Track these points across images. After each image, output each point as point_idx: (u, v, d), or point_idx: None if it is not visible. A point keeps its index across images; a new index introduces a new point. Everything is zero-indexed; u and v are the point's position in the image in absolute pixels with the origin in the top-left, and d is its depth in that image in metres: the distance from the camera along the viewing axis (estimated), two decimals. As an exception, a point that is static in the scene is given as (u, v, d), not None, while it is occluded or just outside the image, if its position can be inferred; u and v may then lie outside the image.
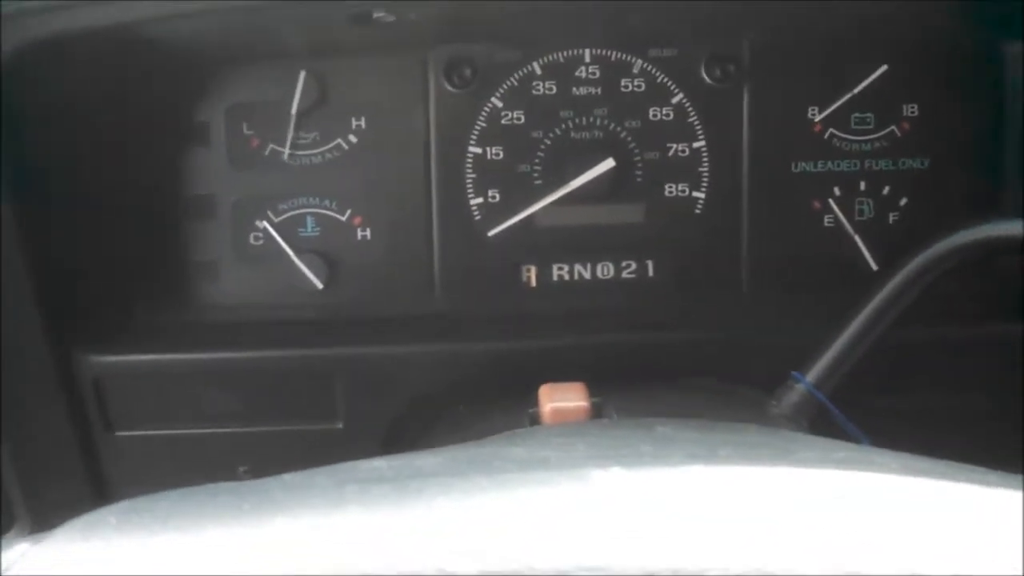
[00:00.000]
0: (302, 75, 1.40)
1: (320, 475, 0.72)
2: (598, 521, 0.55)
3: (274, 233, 1.44)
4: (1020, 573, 0.50)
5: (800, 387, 1.18)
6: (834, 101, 1.43)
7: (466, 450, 0.79)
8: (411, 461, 0.74)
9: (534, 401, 1.13)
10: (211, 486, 0.72)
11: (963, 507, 0.61)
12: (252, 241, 1.46)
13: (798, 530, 0.54)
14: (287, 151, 1.44)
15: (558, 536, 0.53)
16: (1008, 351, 1.35)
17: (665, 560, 0.50)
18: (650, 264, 1.47)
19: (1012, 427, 1.34)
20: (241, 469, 1.38)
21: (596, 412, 1.09)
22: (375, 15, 1.26)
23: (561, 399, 1.09)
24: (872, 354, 1.22)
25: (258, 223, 1.45)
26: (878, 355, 1.24)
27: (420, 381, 1.35)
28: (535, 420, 1.10)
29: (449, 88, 1.42)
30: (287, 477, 0.72)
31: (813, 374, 1.19)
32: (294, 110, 1.41)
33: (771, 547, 0.51)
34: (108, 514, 0.65)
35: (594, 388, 1.13)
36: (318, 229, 1.46)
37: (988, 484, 0.65)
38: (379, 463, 0.74)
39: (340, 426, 1.36)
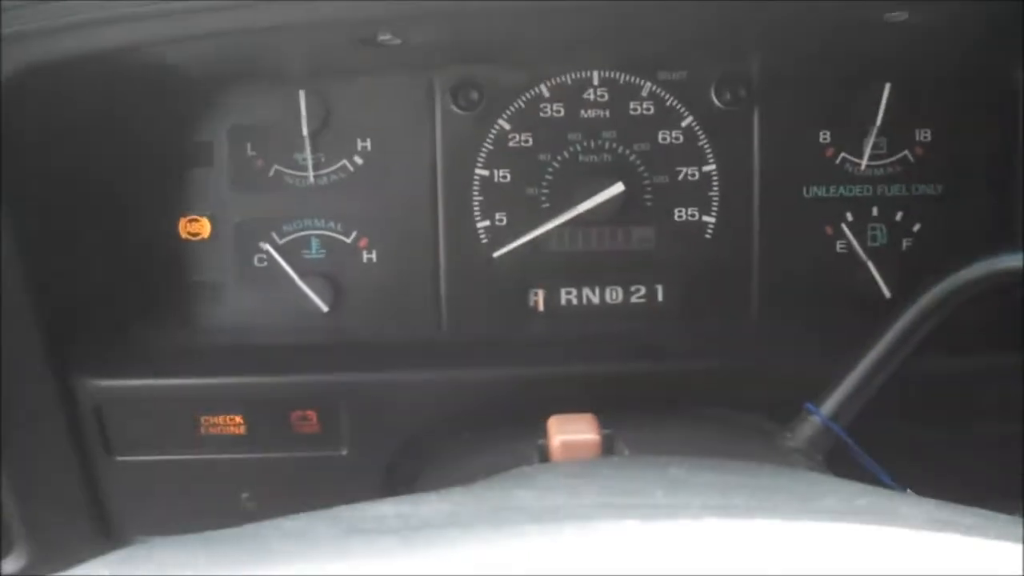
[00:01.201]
0: (302, 95, 1.39)
1: (322, 522, 0.69)
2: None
3: (276, 256, 1.42)
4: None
5: (814, 419, 1.16)
6: (846, 126, 1.41)
7: (473, 495, 0.76)
8: (417, 508, 0.71)
9: (543, 432, 1.11)
10: (207, 535, 0.69)
11: (990, 568, 0.58)
12: (256, 263, 1.44)
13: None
14: (292, 172, 1.42)
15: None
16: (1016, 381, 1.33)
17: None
18: (659, 289, 1.45)
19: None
20: (244, 495, 1.36)
21: (607, 446, 1.06)
22: (380, 38, 1.24)
23: (571, 432, 1.07)
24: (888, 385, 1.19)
25: (262, 245, 1.43)
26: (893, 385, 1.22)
27: (426, 409, 1.33)
28: (544, 453, 1.07)
29: (456, 110, 1.40)
30: (287, 524, 0.70)
31: (828, 406, 1.16)
32: (305, 131, 1.39)
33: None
34: (102, 566, 0.63)
35: (604, 418, 1.11)
36: (323, 251, 1.44)
37: (1019, 539, 0.63)
38: (385, 509, 0.72)
39: (344, 453, 1.34)
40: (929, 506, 0.73)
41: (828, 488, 0.79)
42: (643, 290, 1.45)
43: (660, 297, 1.45)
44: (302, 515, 0.73)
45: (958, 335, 1.33)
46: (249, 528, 0.71)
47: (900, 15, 1.21)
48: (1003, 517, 0.72)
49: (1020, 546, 0.60)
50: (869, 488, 0.79)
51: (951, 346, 1.34)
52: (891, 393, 1.23)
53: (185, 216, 1.43)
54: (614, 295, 1.45)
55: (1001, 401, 1.34)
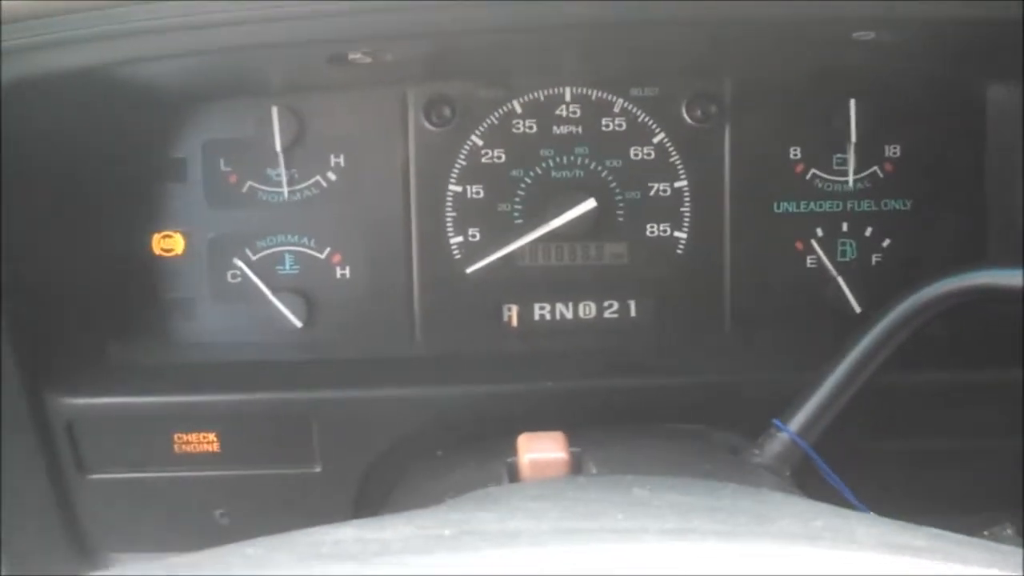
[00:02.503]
0: (274, 111, 1.39)
1: (283, 548, 0.70)
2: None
3: (249, 272, 1.42)
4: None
5: (782, 436, 1.17)
6: (816, 142, 1.43)
7: (436, 517, 0.77)
8: (378, 532, 0.72)
9: (513, 449, 1.11)
10: (169, 561, 0.70)
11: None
12: (229, 279, 1.44)
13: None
14: (266, 188, 1.42)
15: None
16: (1002, 396, 1.34)
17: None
18: (632, 304, 1.45)
19: (1004, 470, 1.34)
20: (218, 512, 1.36)
21: (575, 463, 1.07)
22: (351, 56, 1.24)
23: (539, 450, 1.08)
24: (862, 399, 1.20)
25: (235, 261, 1.43)
26: (873, 399, 1.23)
27: (399, 426, 1.33)
28: (513, 471, 1.08)
29: (429, 126, 1.41)
30: (248, 550, 0.70)
31: (796, 422, 1.17)
32: (279, 147, 1.40)
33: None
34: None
35: (575, 435, 1.11)
36: (297, 267, 1.44)
37: (968, 562, 0.64)
38: (346, 533, 0.72)
39: (317, 470, 1.34)
40: (884, 528, 0.73)
41: (788, 509, 0.80)
42: (616, 305, 1.45)
43: (633, 312, 1.45)
44: (263, 539, 0.74)
45: (957, 350, 1.35)
46: (211, 553, 0.71)
47: (867, 35, 1.22)
48: (957, 538, 0.73)
49: (969, 568, 0.61)
50: (828, 509, 0.80)
51: (950, 361, 1.36)
52: (865, 409, 1.24)
53: (158, 232, 1.44)
54: (587, 310, 1.45)
55: (992, 417, 1.35)
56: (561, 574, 0.60)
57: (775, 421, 1.18)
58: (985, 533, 1.24)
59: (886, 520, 0.79)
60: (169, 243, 1.44)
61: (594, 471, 1.05)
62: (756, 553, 0.63)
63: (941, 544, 0.70)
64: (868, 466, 1.24)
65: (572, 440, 1.10)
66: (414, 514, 0.79)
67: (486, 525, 0.73)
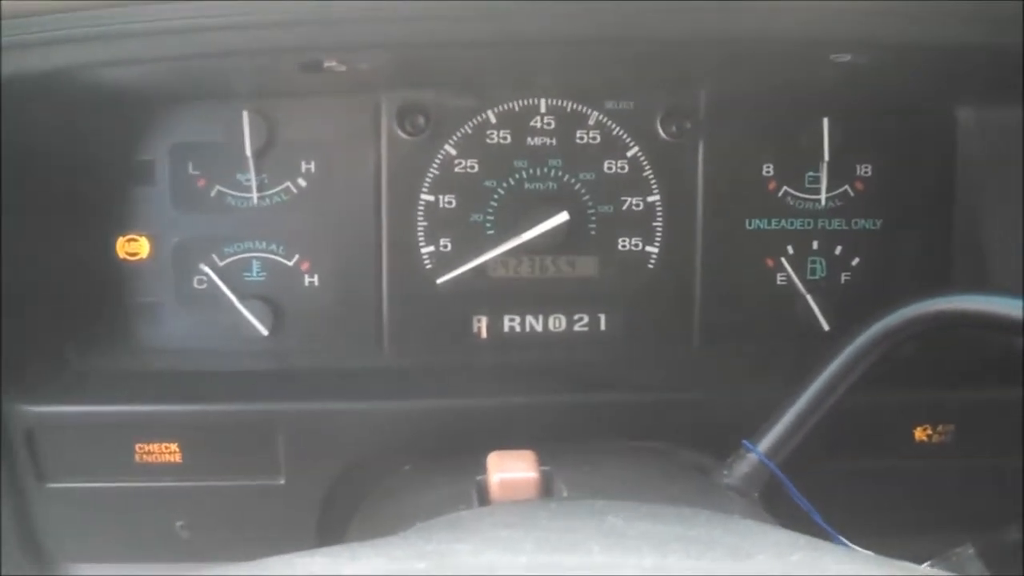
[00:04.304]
0: (245, 115, 1.37)
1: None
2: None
3: (216, 278, 1.40)
4: None
5: (751, 456, 1.17)
6: (789, 160, 1.43)
7: (409, 546, 0.76)
8: (352, 563, 0.71)
9: (483, 467, 1.10)
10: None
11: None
12: (195, 285, 1.42)
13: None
14: (235, 193, 1.40)
15: None
16: (970, 417, 1.36)
17: None
18: (602, 318, 1.45)
19: (967, 490, 1.37)
20: (178, 524, 1.34)
21: (545, 483, 1.07)
22: (325, 64, 1.22)
23: (510, 469, 1.07)
24: (832, 421, 1.21)
25: (202, 266, 1.41)
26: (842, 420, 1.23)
27: (365, 439, 1.32)
28: (483, 490, 1.07)
29: (402, 134, 1.40)
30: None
31: (764, 443, 1.17)
32: (249, 152, 1.37)
33: None
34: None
35: (544, 451, 1.11)
36: (264, 274, 1.42)
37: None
38: (317, 565, 0.71)
39: (281, 482, 1.32)
40: (858, 562, 0.74)
41: (764, 542, 0.79)
42: (586, 318, 1.45)
43: (603, 326, 1.45)
44: (231, 567, 0.72)
45: (927, 370, 1.36)
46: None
47: (843, 56, 1.22)
48: (929, 572, 0.74)
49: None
50: (805, 541, 0.80)
51: (918, 382, 1.37)
52: (834, 429, 1.25)
53: (123, 235, 1.41)
54: (557, 323, 1.45)
55: (966, 437, 1.37)
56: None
57: (744, 442, 1.18)
58: (948, 554, 1.25)
59: (862, 553, 0.79)
60: (134, 247, 1.42)
61: (564, 493, 1.04)
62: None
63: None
64: (836, 487, 1.25)
65: (542, 458, 1.09)
66: (386, 543, 0.78)
67: (462, 558, 0.72)
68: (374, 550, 0.75)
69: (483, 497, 1.07)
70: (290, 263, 1.42)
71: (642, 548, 0.76)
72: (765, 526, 0.87)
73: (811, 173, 1.44)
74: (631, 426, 1.32)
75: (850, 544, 1.05)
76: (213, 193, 1.40)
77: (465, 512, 0.92)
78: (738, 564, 0.72)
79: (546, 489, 1.07)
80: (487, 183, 1.42)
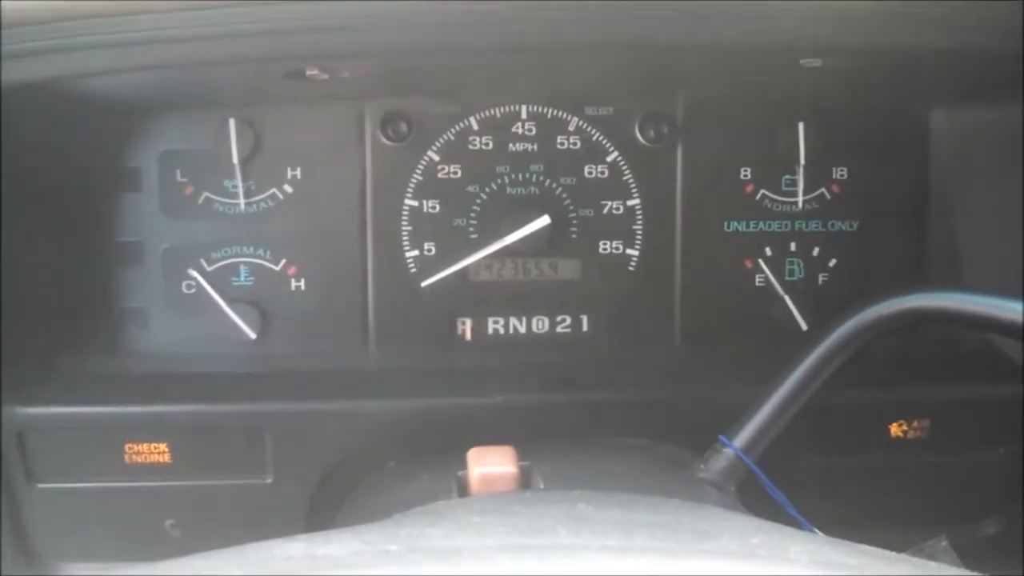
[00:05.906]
0: (231, 123, 1.40)
1: (231, 563, 0.71)
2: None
3: (204, 283, 1.43)
4: None
5: (727, 451, 1.19)
6: (766, 163, 1.46)
7: (385, 532, 0.78)
8: (326, 547, 0.73)
9: (464, 463, 1.12)
10: (114, 573, 0.70)
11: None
12: (184, 289, 1.44)
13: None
14: (222, 199, 1.43)
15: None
16: (943, 413, 1.38)
17: None
18: (584, 319, 1.48)
19: (941, 484, 1.39)
20: (168, 523, 1.36)
21: (524, 478, 1.09)
22: (308, 72, 1.25)
23: (489, 464, 1.09)
24: (806, 417, 1.23)
25: (190, 271, 1.44)
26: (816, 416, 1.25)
27: (351, 438, 1.34)
28: (463, 485, 1.09)
29: (385, 141, 1.42)
30: (197, 562, 0.71)
31: (741, 439, 1.20)
32: (236, 159, 1.40)
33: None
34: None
35: (525, 449, 1.13)
36: (252, 279, 1.45)
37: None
38: (295, 548, 0.73)
39: (269, 481, 1.35)
40: (819, 545, 0.76)
41: (728, 526, 0.82)
42: (568, 320, 1.48)
43: (585, 327, 1.48)
44: (213, 553, 0.75)
45: (896, 368, 1.38)
46: (159, 567, 0.72)
47: (815, 62, 1.25)
48: (888, 555, 0.76)
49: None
50: (767, 526, 0.82)
51: (891, 379, 1.39)
52: (809, 425, 1.27)
53: (113, 240, 1.43)
54: (540, 325, 1.47)
55: (940, 433, 1.39)
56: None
57: (720, 437, 1.20)
58: (922, 546, 1.27)
59: (823, 538, 0.81)
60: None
61: (542, 485, 1.07)
62: (693, 570, 0.65)
63: (871, 561, 0.72)
64: (812, 481, 1.27)
65: (522, 454, 1.11)
66: (362, 529, 0.80)
67: (433, 541, 0.75)
68: (350, 534, 0.77)
69: (463, 491, 1.09)
70: (277, 268, 1.45)
71: (608, 531, 0.78)
72: (731, 512, 0.90)
73: (788, 176, 1.47)
74: (612, 424, 1.34)
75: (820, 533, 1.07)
76: (201, 200, 1.43)
77: (443, 502, 0.94)
78: (700, 545, 0.74)
79: (525, 483, 1.09)
80: (470, 188, 1.44)
